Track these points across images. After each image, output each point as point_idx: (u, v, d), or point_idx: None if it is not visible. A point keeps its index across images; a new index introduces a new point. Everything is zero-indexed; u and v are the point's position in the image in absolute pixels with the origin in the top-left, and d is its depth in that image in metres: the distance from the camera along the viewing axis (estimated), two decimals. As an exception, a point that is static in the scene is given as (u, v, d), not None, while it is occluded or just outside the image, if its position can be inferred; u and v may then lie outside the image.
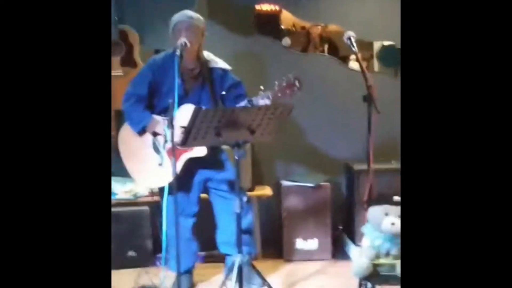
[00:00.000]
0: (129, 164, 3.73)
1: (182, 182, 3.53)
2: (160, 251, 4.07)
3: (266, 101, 3.33)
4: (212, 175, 3.70)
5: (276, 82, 3.36)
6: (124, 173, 4.30)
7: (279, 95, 3.34)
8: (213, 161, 3.68)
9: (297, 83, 3.32)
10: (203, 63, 3.66)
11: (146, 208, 4.27)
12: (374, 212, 3.69)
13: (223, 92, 3.65)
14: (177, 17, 3.57)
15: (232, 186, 3.60)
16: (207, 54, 3.71)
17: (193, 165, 3.61)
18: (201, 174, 3.70)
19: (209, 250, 4.40)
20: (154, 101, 3.67)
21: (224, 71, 3.70)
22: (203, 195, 3.78)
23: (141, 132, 3.64)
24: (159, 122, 3.56)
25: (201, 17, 3.62)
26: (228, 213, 3.61)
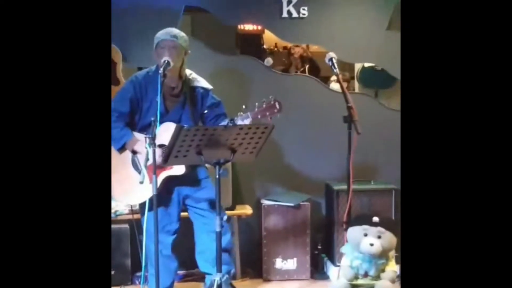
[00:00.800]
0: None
1: (161, 199, 3.53)
2: (139, 269, 4.05)
3: (246, 122, 3.36)
4: (190, 193, 3.70)
5: (256, 104, 3.39)
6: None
7: (259, 116, 3.37)
8: (191, 179, 3.68)
9: (277, 105, 3.36)
10: (185, 82, 3.67)
11: (125, 226, 4.25)
12: (353, 232, 3.71)
13: (205, 111, 3.67)
14: (161, 35, 3.58)
15: (212, 204, 3.60)
16: (189, 73, 3.72)
17: (171, 182, 3.61)
18: (180, 191, 3.69)
19: (189, 268, 4.39)
20: (136, 118, 3.67)
21: (206, 90, 3.71)
22: (184, 213, 3.78)
23: (121, 149, 3.62)
24: (139, 140, 3.56)
25: (185, 36, 3.63)
26: (206, 231, 3.61)
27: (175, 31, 3.61)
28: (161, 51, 3.51)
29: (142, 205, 3.52)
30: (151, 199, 3.22)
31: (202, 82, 3.73)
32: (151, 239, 3.28)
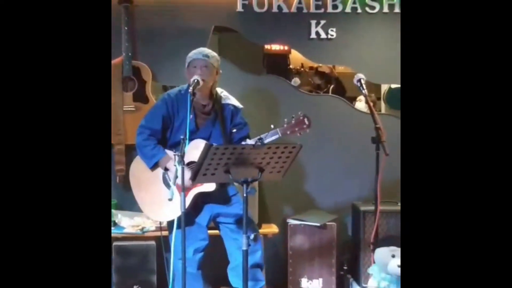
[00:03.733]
0: (139, 197, 3.76)
1: (191, 216, 3.57)
2: (165, 286, 4.06)
3: (274, 138, 3.44)
4: (221, 210, 3.72)
5: (286, 120, 3.45)
6: (133, 207, 4.33)
7: (288, 132, 3.46)
8: (221, 196, 3.70)
9: (306, 121, 3.43)
10: (216, 99, 3.72)
11: (152, 243, 4.26)
12: (381, 253, 3.70)
13: (233, 130, 3.71)
14: (194, 54, 3.64)
15: (241, 221, 3.62)
16: (220, 91, 3.79)
17: (201, 199, 3.64)
18: (210, 209, 3.72)
19: (217, 285, 4.40)
20: (167, 135, 3.72)
21: (236, 108, 3.77)
22: (214, 231, 3.80)
23: (154, 167, 3.67)
24: (171, 158, 3.60)
25: (217, 56, 3.69)
26: (238, 247, 3.62)
27: (207, 50, 3.67)
28: (193, 70, 3.57)
29: (170, 222, 3.54)
30: (179, 217, 3.25)
31: (233, 100, 3.78)
32: (178, 257, 3.30)
